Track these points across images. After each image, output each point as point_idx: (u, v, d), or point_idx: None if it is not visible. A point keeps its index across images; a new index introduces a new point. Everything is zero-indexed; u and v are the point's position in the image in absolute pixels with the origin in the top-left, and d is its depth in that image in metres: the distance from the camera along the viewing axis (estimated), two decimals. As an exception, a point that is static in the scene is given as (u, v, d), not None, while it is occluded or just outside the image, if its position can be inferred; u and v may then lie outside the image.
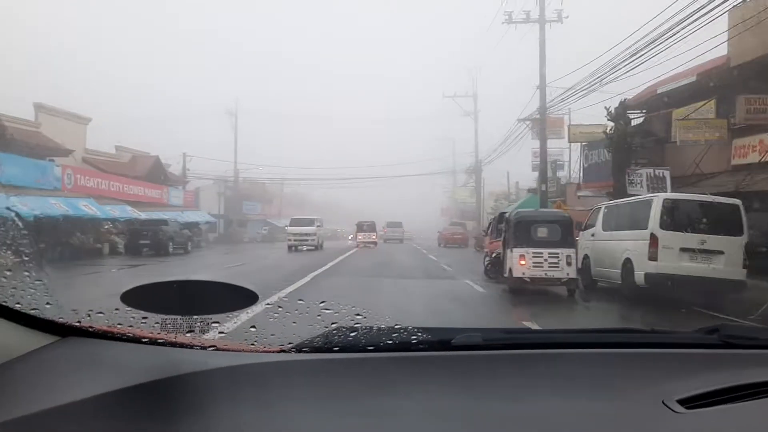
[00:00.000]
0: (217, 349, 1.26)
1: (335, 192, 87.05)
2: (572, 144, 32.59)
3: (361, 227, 42.82)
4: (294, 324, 1.61)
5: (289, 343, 1.31)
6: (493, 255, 16.16)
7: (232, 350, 1.28)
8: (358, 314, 1.61)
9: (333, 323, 1.47)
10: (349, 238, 50.57)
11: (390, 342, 1.30)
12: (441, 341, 1.31)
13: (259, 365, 1.20)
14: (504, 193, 55.37)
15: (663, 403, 1.09)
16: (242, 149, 60.45)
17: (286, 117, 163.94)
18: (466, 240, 42.84)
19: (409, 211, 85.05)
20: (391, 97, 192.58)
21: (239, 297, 1.28)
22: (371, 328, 1.38)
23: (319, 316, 1.65)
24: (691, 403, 1.09)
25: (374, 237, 41.66)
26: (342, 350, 1.26)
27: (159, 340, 1.26)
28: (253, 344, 1.36)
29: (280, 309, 1.79)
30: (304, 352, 1.27)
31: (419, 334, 1.32)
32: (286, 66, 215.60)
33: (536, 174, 37.11)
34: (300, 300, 2.00)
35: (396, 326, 1.37)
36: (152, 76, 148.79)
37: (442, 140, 75.06)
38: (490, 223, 20.12)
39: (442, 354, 1.29)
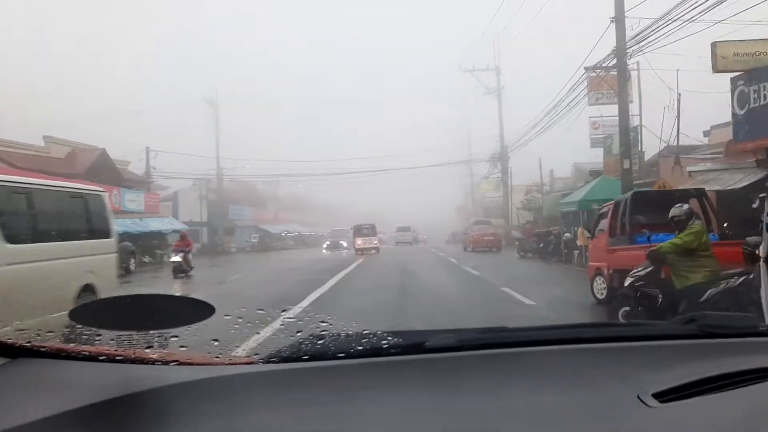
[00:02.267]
0: (180, 364, 1.21)
1: (337, 194, 78.81)
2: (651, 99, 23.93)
3: (359, 231, 37.45)
4: (257, 334, 1.64)
5: (256, 354, 1.29)
6: (633, 278, 7.48)
7: (196, 364, 1.22)
8: (323, 321, 1.52)
9: (298, 332, 1.42)
10: (324, 246, 42.50)
11: (360, 348, 1.25)
12: (413, 344, 1.26)
13: (225, 378, 1.14)
14: (536, 185, 46.53)
15: (638, 397, 1.06)
16: (226, 145, 51.95)
17: (275, 105, 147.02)
18: (499, 242, 33.94)
19: (419, 212, 77.65)
20: (398, 78, 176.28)
21: (195, 309, 1.18)
22: (339, 334, 1.32)
23: (282, 325, 1.62)
24: (666, 396, 1.07)
25: (375, 242, 35.72)
26: (311, 359, 1.22)
27: (117, 357, 1.20)
28: (217, 357, 1.29)
29: (240, 320, 1.65)
30: (272, 362, 1.22)
31: (389, 338, 1.27)
32: (273, 46, 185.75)
33: (597, 152, 28.31)
34: (259, 310, 1.98)
35: (364, 332, 1.31)
36: (114, 61, 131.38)
37: (457, 131, 66.09)
38: (601, 215, 11.20)
39: (415, 357, 1.24)
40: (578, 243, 21.29)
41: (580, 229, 21.33)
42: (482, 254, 29.58)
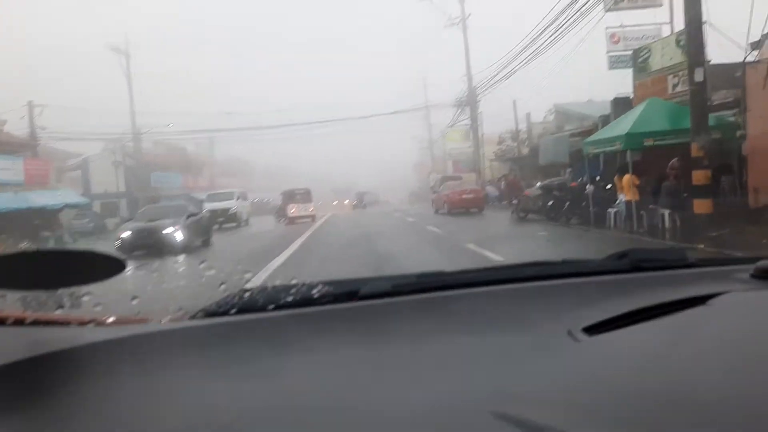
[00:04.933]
0: (98, 324, 1.14)
1: (282, 155, 71.12)
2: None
3: (291, 196, 31.99)
4: (179, 290, 1.18)
5: (179, 310, 1.22)
6: None
7: (116, 323, 1.17)
8: (247, 271, 1.06)
9: (221, 284, 1.35)
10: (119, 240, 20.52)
11: (290, 299, 1.20)
12: (347, 293, 1.23)
13: (146, 336, 1.08)
14: (511, 132, 40.10)
15: (569, 332, 1.06)
16: (143, 101, 43.45)
17: (200, 50, 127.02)
18: (482, 201, 27.38)
19: (373, 173, 71.31)
20: (345, 13, 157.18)
21: (102, 265, 1.09)
22: (266, 286, 1.26)
23: (203, 279, 1.48)
24: (596, 329, 1.06)
25: (312, 209, 30.92)
26: (239, 312, 1.16)
27: (27, 320, 1.10)
28: (138, 315, 1.24)
29: (155, 275, 1.13)
30: (198, 318, 1.17)
31: (320, 287, 1.23)
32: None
33: (581, 91, 21.82)
34: (175, 263, 1.41)
35: (293, 281, 1.27)
36: None
37: (415, 74, 58.94)
38: None
39: (348, 306, 1.20)
40: (623, 198, 14.85)
41: (627, 176, 14.91)
42: (464, 218, 22.97)
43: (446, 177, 35.14)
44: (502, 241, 13.39)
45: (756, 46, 15.61)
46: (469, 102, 38.62)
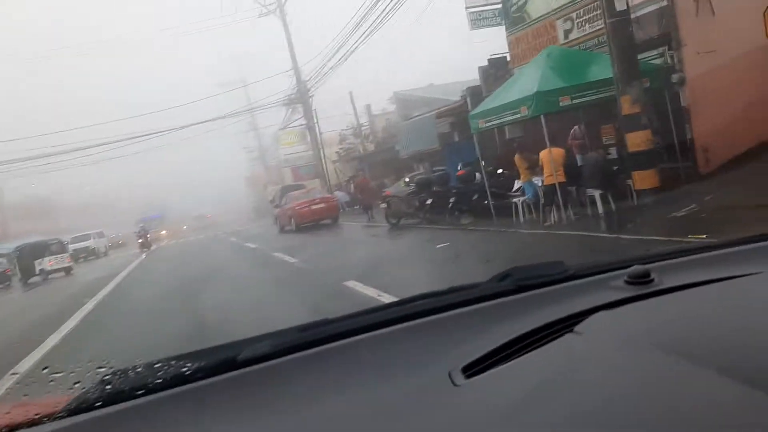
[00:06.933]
0: None
1: (96, 183, 61.67)
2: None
3: (39, 249, 27.60)
4: (25, 397, 1.33)
5: (36, 414, 1.08)
6: None
7: None
8: (101, 367, 1.28)
9: (76, 383, 1.23)
10: None
11: (159, 381, 1.07)
12: (222, 362, 1.12)
13: None
14: (352, 127, 36.01)
15: (449, 374, 1.00)
16: None
17: None
18: (336, 210, 22.74)
19: (208, 193, 64.85)
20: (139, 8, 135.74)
21: None
22: (126, 370, 1.13)
23: (51, 382, 1.38)
24: (475, 367, 1.01)
25: (68, 260, 28.21)
26: (104, 405, 1.05)
27: None
28: None
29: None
30: (59, 418, 1.04)
31: (188, 363, 1.11)
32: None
33: (424, 75, 18.09)
34: (13, 373, 1.50)
35: (154, 361, 1.13)
36: None
37: (234, 76, 53.08)
38: None
39: (226, 376, 1.10)
40: (540, 181, 10.96)
41: (544, 152, 10.93)
42: (320, 235, 18.27)
43: (287, 187, 30.11)
44: (396, 270, 8.79)
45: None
46: (301, 98, 33.93)
